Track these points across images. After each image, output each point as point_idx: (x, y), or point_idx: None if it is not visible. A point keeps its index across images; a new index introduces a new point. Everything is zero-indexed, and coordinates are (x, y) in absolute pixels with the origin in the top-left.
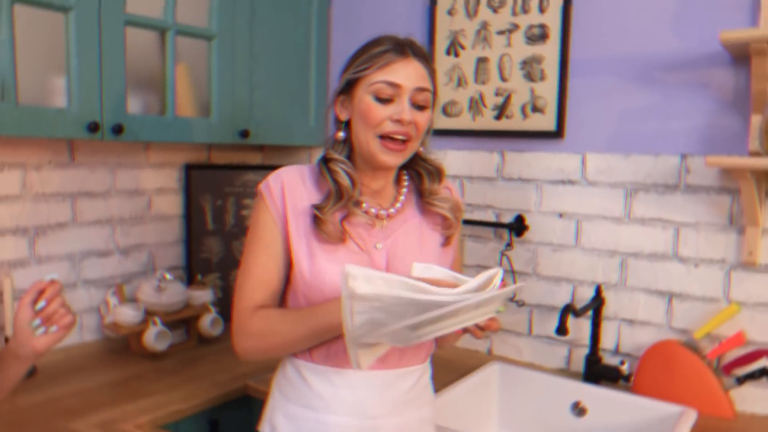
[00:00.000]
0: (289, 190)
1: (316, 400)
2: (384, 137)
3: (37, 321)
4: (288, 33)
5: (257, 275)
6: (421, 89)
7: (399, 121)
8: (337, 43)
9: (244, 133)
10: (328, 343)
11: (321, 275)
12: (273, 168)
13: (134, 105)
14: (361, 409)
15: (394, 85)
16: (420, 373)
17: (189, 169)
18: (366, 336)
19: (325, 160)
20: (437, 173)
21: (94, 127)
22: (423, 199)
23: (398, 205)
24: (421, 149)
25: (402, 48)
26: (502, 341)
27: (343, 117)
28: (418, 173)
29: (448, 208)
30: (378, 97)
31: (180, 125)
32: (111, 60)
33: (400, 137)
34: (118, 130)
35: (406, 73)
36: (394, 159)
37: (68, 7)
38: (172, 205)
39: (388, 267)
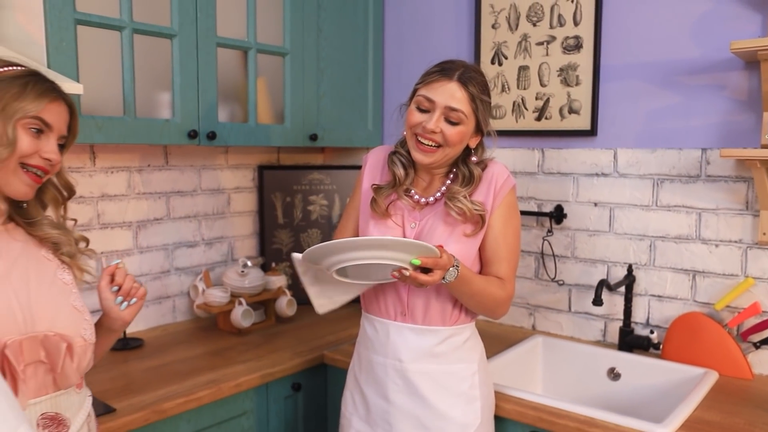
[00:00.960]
0: (370, 168)
1: (368, 342)
2: (418, 140)
3: (119, 299)
4: (348, 48)
5: (339, 224)
6: (453, 108)
7: (424, 129)
8: (390, 55)
9: (313, 137)
10: (373, 297)
11: None
12: (334, 168)
13: (223, 114)
14: (393, 352)
15: (430, 100)
16: (446, 334)
17: (262, 170)
18: (319, 283)
19: (393, 152)
20: (468, 179)
21: (193, 135)
22: (445, 197)
23: (437, 194)
24: (472, 158)
25: (448, 71)
26: (545, 318)
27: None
28: (456, 175)
29: (457, 212)
30: (418, 107)
31: (260, 131)
32: (205, 77)
33: (426, 142)
34: (212, 136)
35: (443, 92)
36: (424, 158)
37: (173, 34)
38: (247, 201)
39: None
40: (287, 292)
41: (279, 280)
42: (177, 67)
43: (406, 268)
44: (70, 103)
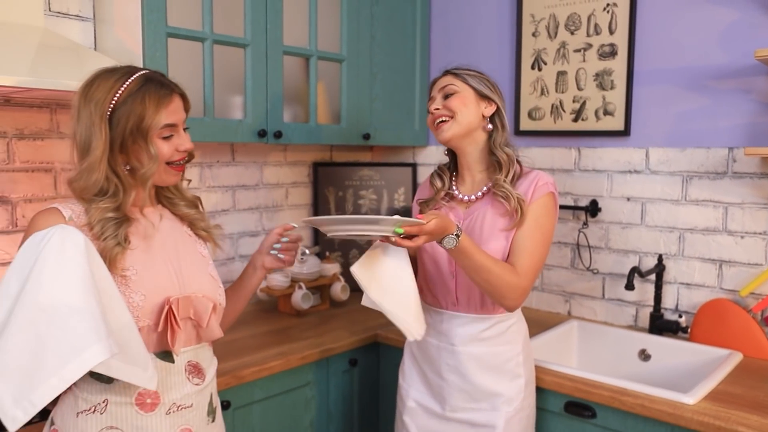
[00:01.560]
0: (418, 195)
1: (427, 326)
2: (434, 124)
3: (278, 246)
4: (398, 54)
5: None
6: (443, 87)
7: (432, 112)
8: (435, 60)
9: (366, 136)
10: (427, 290)
11: None
12: (382, 165)
13: (287, 115)
14: (446, 336)
15: (431, 94)
16: (492, 321)
17: (316, 167)
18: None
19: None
20: (500, 164)
21: (262, 134)
22: (491, 189)
23: (478, 194)
24: (495, 143)
25: (444, 71)
26: (579, 304)
27: None
28: (492, 166)
29: (503, 197)
30: (429, 105)
31: (319, 130)
32: (273, 81)
33: (438, 120)
34: (278, 135)
35: (438, 84)
36: (442, 134)
37: (246, 44)
38: (303, 195)
39: None
40: (341, 278)
41: (333, 268)
42: (249, 73)
43: (388, 236)
44: (179, 92)
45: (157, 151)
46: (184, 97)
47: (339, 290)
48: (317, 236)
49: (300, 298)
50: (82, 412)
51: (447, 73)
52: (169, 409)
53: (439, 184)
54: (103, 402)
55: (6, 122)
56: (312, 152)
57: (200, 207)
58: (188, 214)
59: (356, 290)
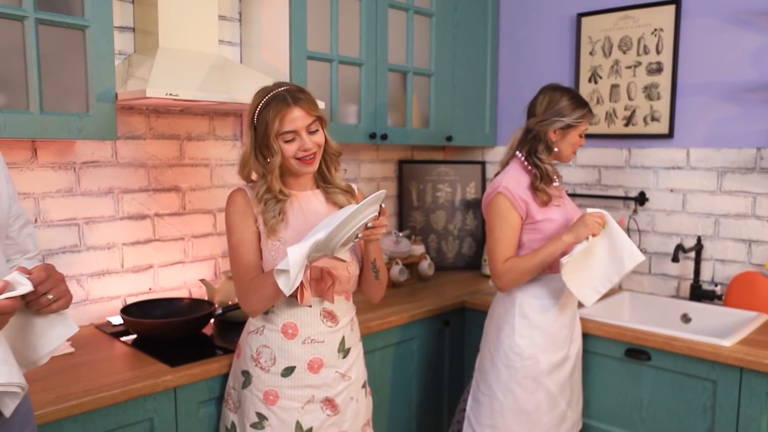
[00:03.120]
0: (513, 195)
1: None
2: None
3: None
4: (473, 69)
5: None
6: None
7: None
8: (503, 74)
9: (448, 138)
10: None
11: (541, 224)
12: (457, 162)
13: (390, 120)
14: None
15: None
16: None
17: (401, 164)
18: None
19: (534, 165)
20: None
21: (372, 136)
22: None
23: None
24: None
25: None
26: (629, 279)
27: (555, 139)
28: None
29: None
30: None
31: (413, 133)
32: (380, 93)
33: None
34: (384, 137)
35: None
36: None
37: (361, 63)
38: (391, 188)
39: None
40: (428, 257)
41: (420, 248)
42: (363, 86)
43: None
44: (301, 104)
45: (280, 150)
46: (307, 108)
47: (426, 267)
48: (401, 222)
49: (398, 272)
50: (251, 332)
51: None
52: (305, 341)
53: (546, 170)
54: (262, 327)
55: (180, 127)
56: (398, 151)
57: (354, 193)
58: (339, 201)
59: (440, 268)
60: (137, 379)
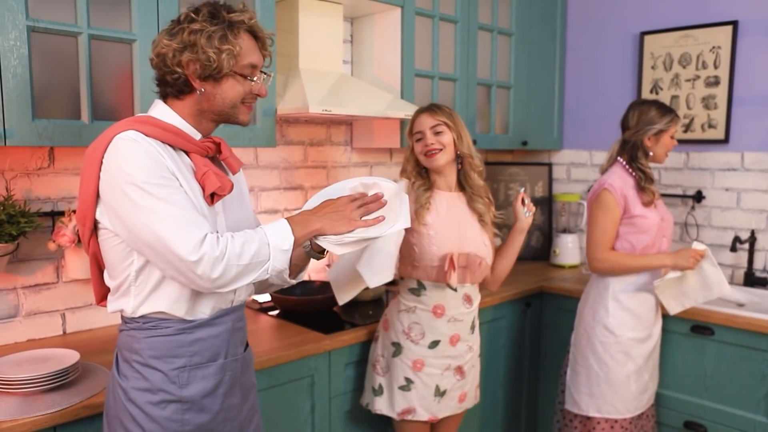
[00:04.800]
0: (619, 192)
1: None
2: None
3: (525, 210)
4: (544, 79)
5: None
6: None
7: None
8: (569, 84)
9: (524, 143)
10: None
11: (636, 218)
12: (526, 164)
13: (477, 128)
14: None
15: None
16: None
17: None
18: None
19: (638, 169)
20: None
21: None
22: None
23: None
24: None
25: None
26: None
27: (650, 144)
28: None
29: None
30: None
31: (495, 139)
32: (470, 104)
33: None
34: (474, 142)
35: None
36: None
37: (456, 79)
38: None
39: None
40: None
41: (497, 241)
42: (457, 98)
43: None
44: (429, 112)
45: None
46: (432, 114)
47: None
48: None
49: None
50: (402, 311)
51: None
52: (449, 319)
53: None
54: (414, 307)
55: (304, 134)
56: None
57: (487, 197)
58: (478, 209)
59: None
60: (303, 343)
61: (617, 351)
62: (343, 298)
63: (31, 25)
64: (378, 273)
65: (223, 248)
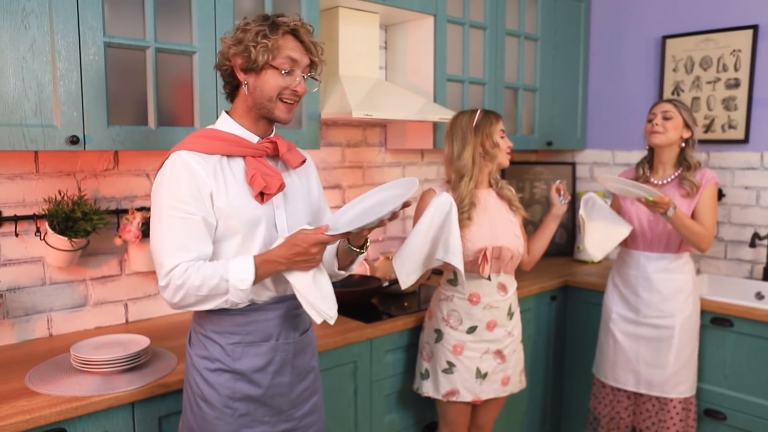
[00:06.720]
0: (626, 173)
1: (624, 263)
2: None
3: (561, 198)
4: (568, 82)
5: None
6: (665, 111)
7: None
8: (592, 86)
9: (549, 143)
10: (635, 238)
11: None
12: (549, 163)
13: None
14: (643, 268)
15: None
16: (673, 258)
17: None
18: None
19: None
20: (688, 166)
21: None
22: (678, 178)
23: (670, 177)
24: (689, 152)
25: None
26: (707, 263)
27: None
28: (682, 164)
29: (689, 186)
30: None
31: (522, 139)
32: (498, 106)
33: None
34: None
35: (661, 106)
36: (656, 139)
37: (485, 83)
38: None
39: None
40: None
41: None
42: (486, 101)
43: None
44: (488, 112)
45: (497, 143)
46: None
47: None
48: None
49: None
50: (441, 300)
51: (668, 101)
52: (485, 306)
53: (638, 171)
54: (452, 295)
55: (342, 136)
56: None
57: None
58: (507, 196)
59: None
60: (347, 331)
61: (608, 332)
62: (405, 282)
63: (107, 41)
64: (410, 275)
65: (185, 279)
